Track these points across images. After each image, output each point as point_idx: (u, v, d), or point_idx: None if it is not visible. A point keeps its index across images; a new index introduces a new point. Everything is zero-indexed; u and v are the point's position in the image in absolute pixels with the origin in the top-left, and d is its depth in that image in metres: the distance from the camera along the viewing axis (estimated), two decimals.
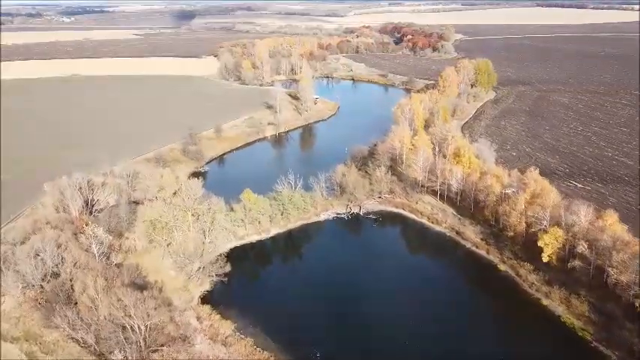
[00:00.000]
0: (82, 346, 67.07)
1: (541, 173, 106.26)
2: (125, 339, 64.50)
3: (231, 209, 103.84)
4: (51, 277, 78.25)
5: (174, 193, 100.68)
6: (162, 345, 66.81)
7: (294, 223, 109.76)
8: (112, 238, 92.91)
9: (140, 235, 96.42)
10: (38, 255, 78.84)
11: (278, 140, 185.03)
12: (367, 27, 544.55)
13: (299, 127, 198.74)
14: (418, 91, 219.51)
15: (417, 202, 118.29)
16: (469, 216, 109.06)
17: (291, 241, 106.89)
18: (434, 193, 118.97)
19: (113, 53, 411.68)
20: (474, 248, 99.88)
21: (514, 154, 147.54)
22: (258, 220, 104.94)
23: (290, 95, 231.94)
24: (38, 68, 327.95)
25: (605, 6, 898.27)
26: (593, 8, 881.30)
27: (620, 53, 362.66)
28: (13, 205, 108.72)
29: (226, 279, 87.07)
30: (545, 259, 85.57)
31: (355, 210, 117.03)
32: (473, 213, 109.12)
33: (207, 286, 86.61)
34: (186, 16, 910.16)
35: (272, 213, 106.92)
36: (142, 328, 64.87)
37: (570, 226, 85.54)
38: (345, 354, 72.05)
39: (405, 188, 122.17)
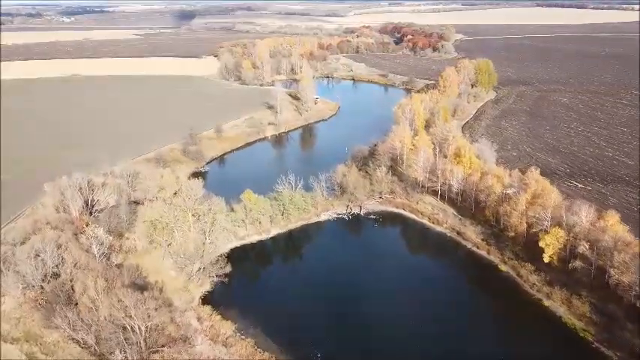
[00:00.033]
0: (82, 347, 66.87)
1: (542, 173, 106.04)
2: (125, 340, 64.33)
3: (232, 209, 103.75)
4: (51, 277, 78.04)
5: (175, 194, 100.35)
6: (162, 346, 66.70)
7: (294, 224, 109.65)
8: (113, 238, 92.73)
9: (140, 236, 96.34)
10: (38, 255, 78.62)
11: (278, 140, 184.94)
12: (367, 27, 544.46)
13: (299, 127, 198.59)
14: (418, 91, 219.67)
15: (417, 203, 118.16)
16: (470, 216, 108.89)
17: (292, 241, 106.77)
18: (434, 193, 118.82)
19: (113, 53, 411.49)
20: (474, 249, 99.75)
21: (515, 154, 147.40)
22: (258, 221, 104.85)
23: (290, 95, 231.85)
24: (38, 68, 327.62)
25: (605, 6, 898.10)
26: (593, 8, 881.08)
27: (620, 53, 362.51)
28: (13, 205, 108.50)
29: (227, 279, 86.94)
30: (546, 259, 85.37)
31: (356, 210, 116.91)
32: (474, 213, 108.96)
33: (207, 287, 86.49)
34: (186, 16, 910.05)
35: (272, 213, 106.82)
36: (143, 328, 64.72)
37: (571, 227, 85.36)
38: (345, 354, 71.91)
39: (406, 188, 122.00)
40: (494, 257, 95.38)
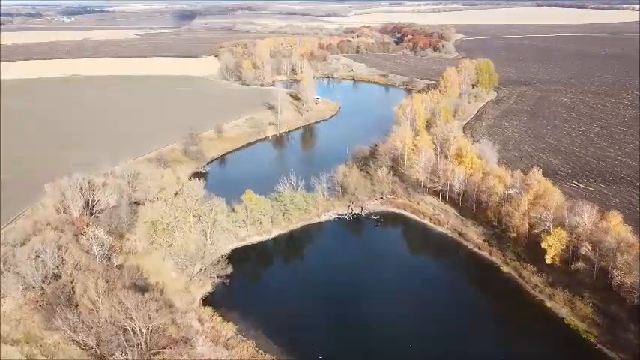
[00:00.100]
0: (82, 349, 66.59)
1: (543, 174, 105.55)
2: (126, 341, 64.09)
3: (233, 210, 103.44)
4: (52, 278, 77.75)
5: (176, 194, 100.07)
6: (163, 347, 66.37)
7: (295, 224, 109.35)
8: (113, 239, 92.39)
9: (141, 237, 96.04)
10: (39, 256, 78.32)
11: (279, 140, 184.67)
12: (368, 27, 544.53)
13: (300, 128, 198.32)
14: (419, 91, 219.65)
15: (418, 203, 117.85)
16: (471, 217, 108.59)
17: (293, 242, 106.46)
18: (436, 193, 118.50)
19: (113, 53, 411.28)
20: (476, 249, 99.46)
21: (516, 154, 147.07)
22: (259, 221, 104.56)
23: (291, 95, 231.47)
24: (38, 68, 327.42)
25: (606, 6, 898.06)
26: (593, 8, 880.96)
27: (620, 53, 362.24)
28: (13, 205, 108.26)
29: (228, 280, 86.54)
30: (548, 260, 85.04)
31: (357, 211, 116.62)
32: (475, 214, 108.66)
33: (208, 288, 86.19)
34: (186, 16, 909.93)
35: (273, 214, 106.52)
36: (144, 330, 64.43)
37: (574, 228, 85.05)
38: (347, 354, 71.64)
39: (407, 189, 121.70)
40: (495, 258, 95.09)
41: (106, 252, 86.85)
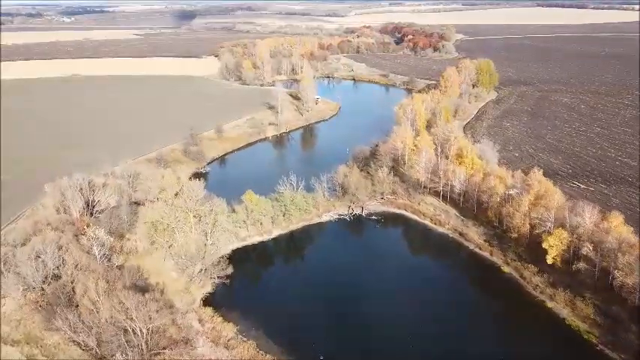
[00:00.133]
0: (83, 349, 66.44)
1: (544, 174, 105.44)
2: (127, 342, 63.96)
3: (233, 210, 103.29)
4: (52, 279, 77.57)
5: (176, 194, 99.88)
6: (164, 348, 66.24)
7: (296, 225, 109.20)
8: (113, 239, 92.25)
9: (141, 237, 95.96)
10: (39, 257, 78.15)
11: (279, 141, 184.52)
12: (368, 27, 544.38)
13: (300, 128, 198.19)
14: (419, 91, 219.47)
15: (419, 203, 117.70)
16: (472, 217, 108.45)
17: (293, 242, 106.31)
18: (436, 194, 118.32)
19: (113, 53, 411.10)
20: (477, 250, 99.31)
21: (517, 154, 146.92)
22: (260, 222, 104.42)
23: (291, 95, 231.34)
24: (38, 68, 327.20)
25: (606, 6, 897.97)
26: (593, 8, 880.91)
27: (620, 53, 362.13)
28: (13, 205, 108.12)
29: (228, 281, 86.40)
30: (549, 261, 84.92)
31: (357, 211, 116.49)
32: (476, 214, 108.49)
33: (209, 288, 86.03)
34: (186, 16, 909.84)
35: (274, 214, 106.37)
36: (144, 331, 64.25)
37: (575, 228, 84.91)
38: (348, 354, 71.54)
39: (408, 189, 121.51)
40: (496, 258, 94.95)
41: (107, 252, 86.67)
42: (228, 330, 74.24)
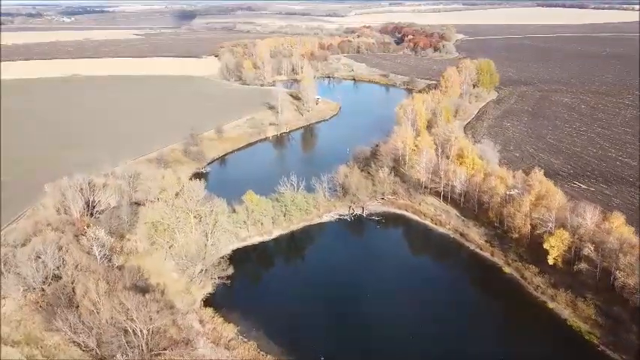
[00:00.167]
0: (83, 350, 66.29)
1: (545, 174, 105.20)
2: (127, 343, 63.79)
3: (234, 211, 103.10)
4: (52, 279, 77.43)
5: (176, 195, 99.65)
6: (164, 349, 66.07)
7: (296, 225, 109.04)
8: (114, 240, 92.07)
9: (142, 237, 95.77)
10: (39, 257, 77.98)
11: (280, 141, 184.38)
12: (368, 27, 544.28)
13: (301, 128, 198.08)
14: (420, 92, 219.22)
15: (420, 204, 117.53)
16: (473, 217, 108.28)
17: (294, 242, 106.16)
18: (437, 194, 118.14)
19: (114, 53, 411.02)
20: (478, 250, 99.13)
21: (517, 154, 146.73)
22: (260, 222, 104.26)
23: (291, 95, 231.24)
24: (38, 68, 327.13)
25: (606, 6, 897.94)
26: (593, 8, 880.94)
27: (621, 53, 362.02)
28: (13, 206, 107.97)
29: (229, 281, 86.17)
30: (550, 261, 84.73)
31: (358, 211, 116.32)
32: (477, 214, 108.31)
33: (209, 289, 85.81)
34: (186, 16, 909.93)
35: (274, 214, 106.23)
36: (145, 331, 64.06)
37: (576, 229, 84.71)
38: (349, 355, 71.43)
39: (408, 189, 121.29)
40: (497, 259, 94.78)
41: (107, 253, 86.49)
42: (229, 331, 74.06)
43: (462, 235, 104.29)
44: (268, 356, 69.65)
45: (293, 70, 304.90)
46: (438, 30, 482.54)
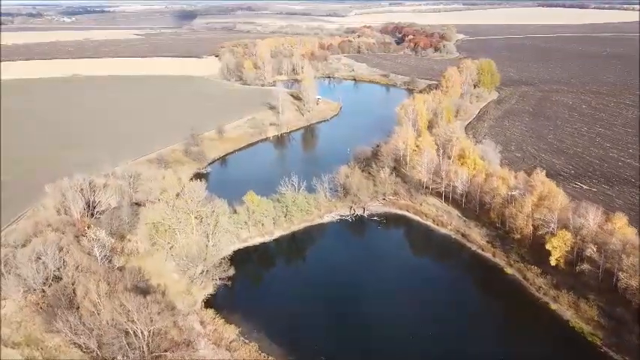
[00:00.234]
0: (84, 352, 66.08)
1: (546, 174, 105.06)
2: (128, 344, 63.57)
3: (235, 211, 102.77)
4: (52, 280, 77.22)
5: (177, 195, 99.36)
6: (165, 350, 65.84)
7: (297, 225, 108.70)
8: (114, 240, 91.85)
9: (142, 238, 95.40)
10: (40, 258, 77.79)
11: (280, 141, 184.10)
12: (368, 27, 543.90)
13: (301, 128, 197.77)
14: (421, 92, 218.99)
15: (421, 204, 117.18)
16: (474, 218, 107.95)
17: (295, 243, 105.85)
18: (439, 194, 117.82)
19: (114, 53, 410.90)
20: (479, 251, 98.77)
21: (519, 155, 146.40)
22: (261, 223, 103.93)
23: (292, 95, 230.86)
24: (39, 68, 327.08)
25: (607, 6, 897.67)
26: (594, 8, 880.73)
27: (621, 53, 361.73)
28: (14, 206, 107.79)
29: (230, 282, 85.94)
30: (552, 262, 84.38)
31: (359, 212, 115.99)
32: (478, 215, 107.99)
33: (210, 290, 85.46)
34: (187, 16, 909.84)
35: (275, 215, 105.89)
36: (145, 333, 63.83)
37: (578, 229, 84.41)
38: (350, 355, 71.13)
39: (410, 190, 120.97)
40: (499, 260, 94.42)
41: (107, 254, 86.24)
42: (230, 332, 73.73)
43: (463, 235, 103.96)
44: (270, 357, 69.37)
45: (293, 70, 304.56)
46: (439, 30, 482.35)
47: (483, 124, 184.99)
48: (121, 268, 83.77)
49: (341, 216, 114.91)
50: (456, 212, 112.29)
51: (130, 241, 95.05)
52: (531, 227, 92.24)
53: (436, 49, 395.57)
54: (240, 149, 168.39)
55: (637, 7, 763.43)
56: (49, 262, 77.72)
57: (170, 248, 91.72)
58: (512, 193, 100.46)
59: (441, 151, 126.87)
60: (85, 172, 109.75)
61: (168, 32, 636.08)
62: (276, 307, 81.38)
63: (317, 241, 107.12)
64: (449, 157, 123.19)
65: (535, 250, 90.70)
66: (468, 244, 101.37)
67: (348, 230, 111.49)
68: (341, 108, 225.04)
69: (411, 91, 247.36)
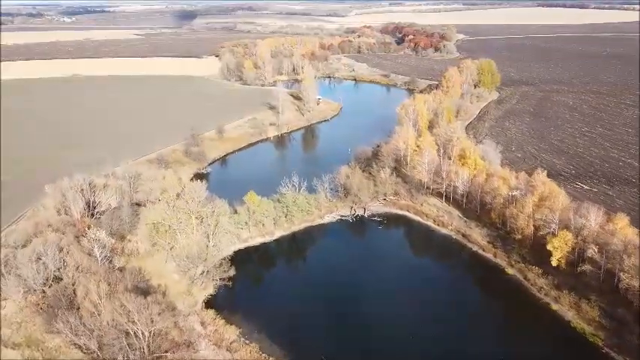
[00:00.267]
0: (84, 352, 65.87)
1: (547, 175, 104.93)
2: (128, 345, 63.38)
3: (235, 211, 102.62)
4: (53, 281, 77.11)
5: (177, 196, 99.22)
6: (166, 351, 65.66)
7: (298, 226, 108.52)
8: (115, 241, 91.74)
9: (143, 238, 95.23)
10: (40, 259, 77.68)
11: (281, 141, 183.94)
12: (368, 27, 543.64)
13: (302, 128, 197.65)
14: (421, 92, 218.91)
15: (422, 205, 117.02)
16: (475, 218, 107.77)
17: (296, 243, 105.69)
18: (439, 195, 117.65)
19: (114, 53, 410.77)
20: (480, 251, 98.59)
21: (519, 155, 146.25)
22: (262, 223, 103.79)
23: (292, 96, 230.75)
24: (39, 68, 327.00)
25: (607, 6, 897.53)
26: (594, 8, 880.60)
27: (621, 53, 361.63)
28: (14, 206, 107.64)
29: (230, 283, 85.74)
30: (554, 262, 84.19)
31: (359, 212, 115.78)
32: (479, 215, 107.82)
33: (211, 290, 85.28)
34: (187, 16, 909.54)
35: (276, 215, 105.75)
36: (146, 334, 63.62)
37: (580, 230, 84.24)
38: (351, 355, 70.98)
39: (410, 190, 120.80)
40: (500, 260, 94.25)
41: (108, 254, 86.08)
42: (231, 332, 73.57)
43: (464, 236, 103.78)
44: (270, 358, 69.17)
45: (294, 70, 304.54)
46: (439, 30, 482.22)
47: (484, 124, 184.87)
48: (121, 269, 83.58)
49: (341, 216, 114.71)
50: (456, 212, 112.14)
51: (130, 241, 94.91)
52: (532, 228, 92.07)
53: (436, 49, 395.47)
54: (240, 149, 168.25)
55: (637, 7, 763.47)
56: (50, 263, 77.60)
57: (170, 249, 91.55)
58: (513, 193, 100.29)
59: (442, 151, 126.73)
60: (85, 172, 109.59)
61: (168, 32, 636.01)
62: (276, 307, 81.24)
63: (317, 241, 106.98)
64: (449, 158, 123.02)
65: (536, 250, 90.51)
66: (469, 245, 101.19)
67: (348, 230, 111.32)
68: (341, 108, 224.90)
69: (411, 91, 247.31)
